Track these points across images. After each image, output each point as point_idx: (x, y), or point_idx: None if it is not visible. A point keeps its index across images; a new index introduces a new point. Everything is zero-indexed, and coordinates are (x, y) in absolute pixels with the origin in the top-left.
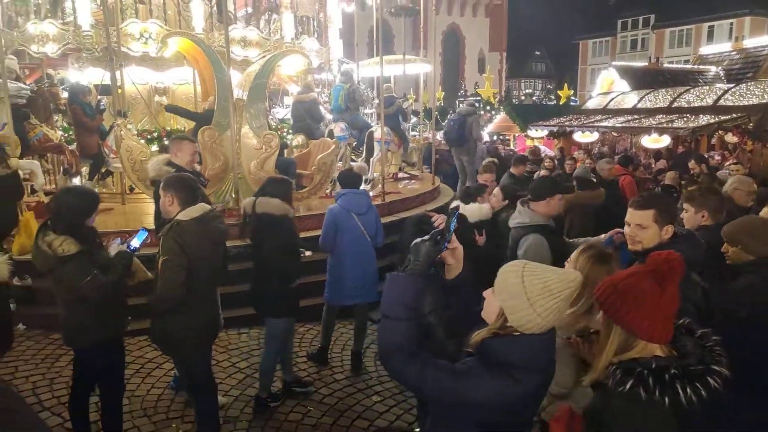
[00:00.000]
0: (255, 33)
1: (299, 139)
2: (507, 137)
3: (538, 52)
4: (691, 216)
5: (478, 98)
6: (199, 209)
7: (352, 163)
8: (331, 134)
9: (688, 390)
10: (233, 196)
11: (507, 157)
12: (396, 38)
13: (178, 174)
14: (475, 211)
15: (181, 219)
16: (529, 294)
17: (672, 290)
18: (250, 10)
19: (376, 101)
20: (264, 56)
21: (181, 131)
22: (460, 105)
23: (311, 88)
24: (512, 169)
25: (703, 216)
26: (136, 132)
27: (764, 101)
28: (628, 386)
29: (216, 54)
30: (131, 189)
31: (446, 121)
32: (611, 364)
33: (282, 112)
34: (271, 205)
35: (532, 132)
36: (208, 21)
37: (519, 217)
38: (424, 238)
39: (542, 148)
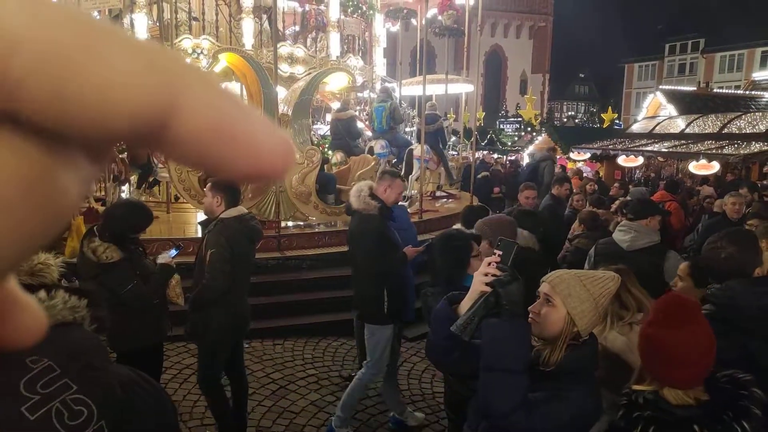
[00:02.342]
0: (302, 50)
1: (338, 155)
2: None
3: (582, 75)
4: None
5: (519, 118)
6: (239, 209)
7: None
8: (371, 151)
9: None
10: (273, 209)
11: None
12: (438, 58)
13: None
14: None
15: (225, 217)
16: (595, 297)
17: (700, 329)
18: (297, 28)
19: (417, 119)
20: (310, 73)
21: None
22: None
23: (349, 104)
24: (554, 190)
25: None
26: None
27: None
28: (639, 430)
29: (264, 70)
30: (176, 198)
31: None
32: (625, 392)
33: (323, 128)
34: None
35: (574, 155)
36: (258, 38)
37: (649, 236)
38: (499, 277)
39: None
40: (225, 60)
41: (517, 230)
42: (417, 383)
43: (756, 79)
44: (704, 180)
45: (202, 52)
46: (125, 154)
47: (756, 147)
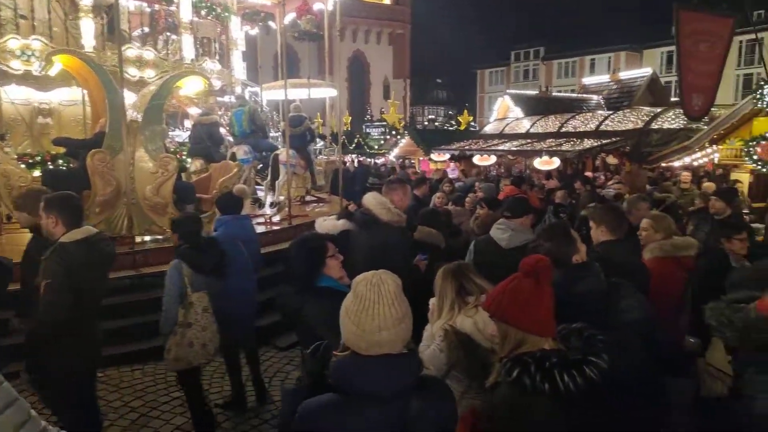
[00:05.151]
0: (152, 53)
1: (196, 163)
2: (412, 160)
3: (439, 80)
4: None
5: (384, 122)
6: (84, 231)
7: (239, 186)
8: (233, 157)
9: (566, 377)
10: (125, 223)
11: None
12: (301, 62)
13: (62, 193)
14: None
15: (65, 241)
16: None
17: (547, 287)
18: (146, 29)
19: (282, 124)
20: (161, 77)
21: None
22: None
23: (213, 110)
24: (415, 191)
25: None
26: (15, 156)
27: (639, 126)
28: (515, 374)
29: (108, 74)
30: (8, 218)
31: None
32: (503, 359)
33: (183, 135)
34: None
35: (435, 156)
36: (100, 39)
37: (525, 234)
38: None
39: (448, 170)
40: (60, 63)
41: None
42: None
43: (586, 83)
44: (548, 174)
45: (33, 54)
46: None
47: (588, 143)
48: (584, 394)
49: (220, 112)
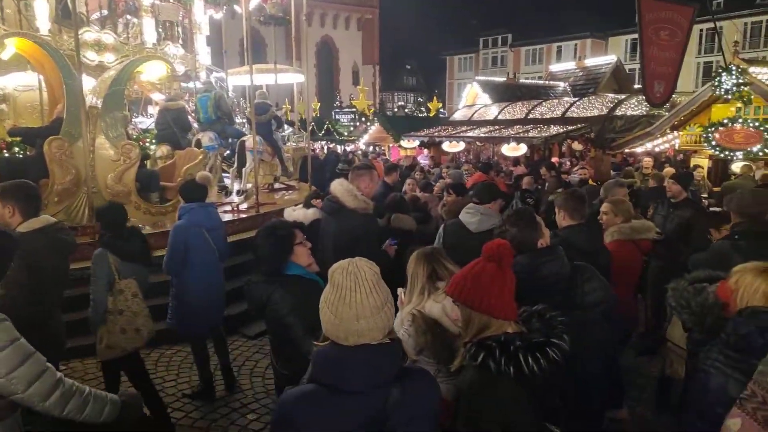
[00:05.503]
0: (111, 37)
1: (163, 149)
2: (382, 147)
3: (409, 66)
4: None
5: (353, 109)
6: (42, 221)
7: (203, 173)
8: (198, 144)
9: (530, 360)
10: (86, 212)
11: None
12: (268, 47)
13: (19, 182)
14: (299, 215)
15: (23, 230)
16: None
17: (509, 271)
18: (105, 12)
19: (248, 110)
20: (122, 62)
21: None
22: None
23: (180, 96)
24: (386, 178)
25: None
26: None
27: (603, 113)
28: (480, 359)
29: (64, 58)
30: None
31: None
32: (467, 344)
33: (146, 121)
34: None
35: (405, 142)
36: (56, 22)
37: (492, 219)
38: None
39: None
40: (14, 46)
41: None
42: (261, 381)
43: (553, 70)
44: (516, 161)
45: None
46: None
47: (554, 130)
48: (547, 375)
49: (186, 98)
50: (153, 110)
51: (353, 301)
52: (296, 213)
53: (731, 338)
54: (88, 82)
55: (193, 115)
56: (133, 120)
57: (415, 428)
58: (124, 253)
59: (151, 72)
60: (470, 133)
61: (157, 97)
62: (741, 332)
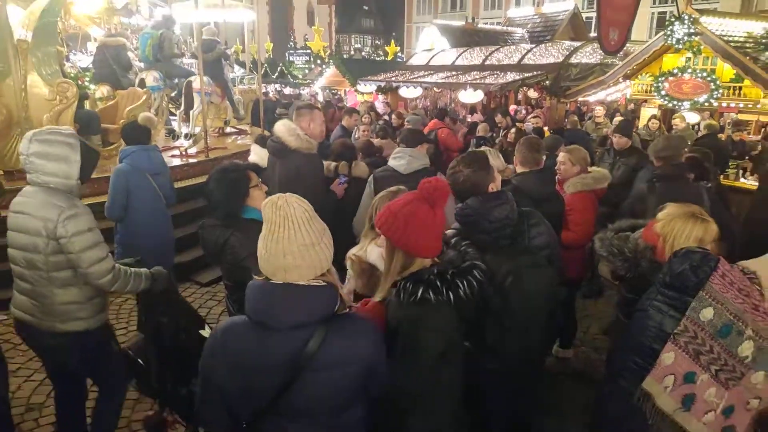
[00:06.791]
0: None
1: (103, 89)
2: (338, 91)
3: (366, 7)
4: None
5: (308, 50)
6: None
7: (146, 114)
8: (142, 84)
9: (465, 284)
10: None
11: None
12: None
13: None
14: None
15: None
16: None
17: (440, 211)
18: None
19: (195, 48)
20: None
21: None
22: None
23: (121, 32)
24: (344, 122)
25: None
26: None
27: (559, 61)
28: (419, 294)
29: None
30: None
31: None
32: (397, 282)
33: (85, 59)
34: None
35: (362, 87)
36: None
37: (421, 160)
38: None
39: (377, 103)
40: None
41: None
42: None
43: (511, 16)
44: (473, 109)
45: None
46: None
47: (511, 77)
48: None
49: (129, 34)
50: (93, 47)
51: (280, 237)
52: (252, 155)
53: (667, 278)
54: (15, 13)
55: (136, 52)
56: (70, 57)
57: (338, 373)
58: None
59: (87, 4)
60: (428, 79)
61: (96, 32)
62: (676, 271)
